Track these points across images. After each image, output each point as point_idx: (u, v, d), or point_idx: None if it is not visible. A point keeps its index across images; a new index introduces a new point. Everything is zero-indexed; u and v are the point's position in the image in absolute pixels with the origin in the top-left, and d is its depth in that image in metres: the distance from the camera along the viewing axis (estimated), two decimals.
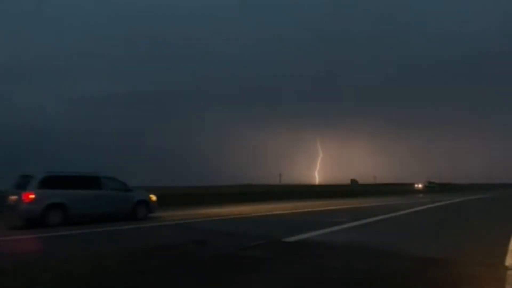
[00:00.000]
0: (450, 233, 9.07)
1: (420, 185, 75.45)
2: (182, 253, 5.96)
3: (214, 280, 4.37)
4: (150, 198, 12.40)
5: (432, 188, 68.50)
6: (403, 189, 57.26)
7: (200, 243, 6.73)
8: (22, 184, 10.12)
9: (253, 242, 6.95)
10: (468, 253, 5.91)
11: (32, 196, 9.73)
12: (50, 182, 10.18)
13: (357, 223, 10.41)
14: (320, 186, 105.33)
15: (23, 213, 9.80)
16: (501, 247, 6.19)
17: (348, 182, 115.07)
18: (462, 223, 11.55)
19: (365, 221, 10.92)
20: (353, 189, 62.45)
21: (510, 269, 4.53)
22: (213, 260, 5.56)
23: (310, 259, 5.80)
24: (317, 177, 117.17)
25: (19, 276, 4.48)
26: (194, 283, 4.22)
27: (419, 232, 9.49)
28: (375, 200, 24.81)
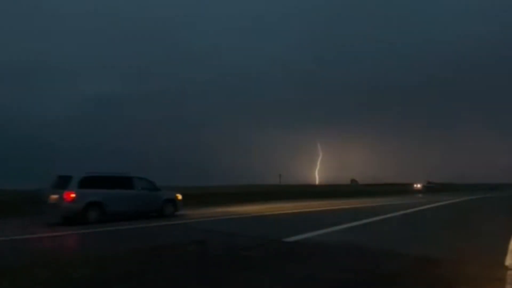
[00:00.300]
0: (450, 233, 9.17)
1: (419, 185, 75.47)
2: (192, 252, 6.11)
3: (215, 280, 4.36)
4: (176, 197, 13.11)
5: (431, 188, 68.38)
6: (402, 190, 57.34)
7: (200, 243, 6.96)
8: (61, 184, 10.75)
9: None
10: (467, 254, 5.92)
11: (72, 195, 10.37)
12: (88, 182, 10.84)
13: (356, 223, 10.47)
14: (320, 186, 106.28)
15: (64, 211, 10.43)
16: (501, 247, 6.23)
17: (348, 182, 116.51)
18: (463, 223, 11.68)
19: (365, 221, 11.01)
20: (353, 189, 63.44)
21: (510, 269, 4.49)
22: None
23: (310, 259, 5.82)
24: (317, 177, 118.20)
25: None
26: (195, 283, 4.15)
27: (420, 231, 9.53)
28: (376, 200, 25.35)
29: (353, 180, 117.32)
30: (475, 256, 5.74)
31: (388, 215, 13.26)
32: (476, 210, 18.07)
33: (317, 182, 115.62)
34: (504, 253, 5.63)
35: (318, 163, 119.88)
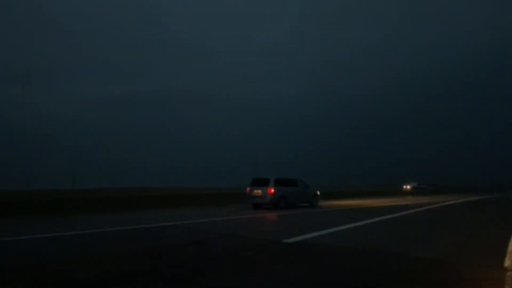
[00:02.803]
0: (446, 235, 8.59)
1: (408, 187, 74.04)
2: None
3: (216, 281, 4.16)
4: (317, 193, 19.07)
5: (421, 190, 65.96)
6: (390, 191, 55.92)
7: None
8: (262, 183, 16.68)
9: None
10: (466, 255, 5.78)
11: (272, 191, 16.34)
12: (277, 182, 16.76)
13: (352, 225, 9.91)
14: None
15: (267, 201, 16.38)
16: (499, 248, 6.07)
17: None
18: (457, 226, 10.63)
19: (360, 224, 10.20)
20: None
21: (509, 270, 4.43)
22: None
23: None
24: None
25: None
26: (194, 284, 3.98)
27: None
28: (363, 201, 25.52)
29: None
30: (473, 257, 5.55)
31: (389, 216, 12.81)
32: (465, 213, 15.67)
33: None
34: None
35: None
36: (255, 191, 16.73)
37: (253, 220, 11.68)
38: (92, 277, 4.22)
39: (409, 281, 4.13)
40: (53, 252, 6.06)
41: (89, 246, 6.69)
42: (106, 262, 5.05)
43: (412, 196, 36.75)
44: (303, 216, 13.42)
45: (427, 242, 7.23)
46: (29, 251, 6.20)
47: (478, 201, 25.82)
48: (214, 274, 4.43)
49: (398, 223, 11.22)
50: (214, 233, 8.39)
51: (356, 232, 8.75)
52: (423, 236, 8.33)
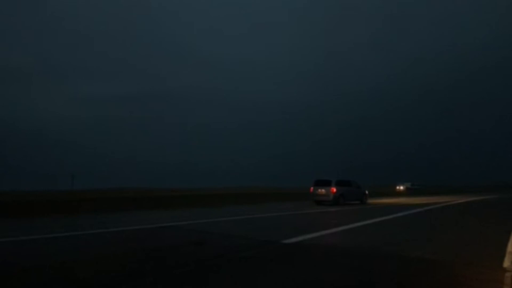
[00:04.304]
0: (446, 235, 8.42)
1: (402, 187, 73.27)
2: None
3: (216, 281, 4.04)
4: (366, 192, 22.44)
5: (416, 190, 65.45)
6: (384, 192, 54.40)
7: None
8: (323, 184, 20.07)
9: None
10: (466, 255, 5.65)
11: (334, 190, 19.75)
12: (337, 183, 20.17)
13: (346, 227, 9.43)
14: None
15: (329, 198, 19.78)
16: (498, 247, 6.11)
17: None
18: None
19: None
20: None
21: (508, 271, 4.40)
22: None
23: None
24: None
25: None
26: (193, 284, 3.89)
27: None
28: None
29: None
30: (473, 257, 5.39)
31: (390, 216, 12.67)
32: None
33: None
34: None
35: None
36: (319, 190, 20.14)
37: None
38: (92, 277, 4.19)
39: (409, 281, 4.07)
40: (53, 252, 5.93)
41: (89, 246, 6.60)
42: (106, 262, 4.99)
43: (416, 197, 35.93)
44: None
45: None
46: (29, 251, 6.13)
47: (476, 201, 26.50)
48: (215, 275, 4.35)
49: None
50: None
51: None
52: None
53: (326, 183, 20.12)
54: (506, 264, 4.83)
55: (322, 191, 20.04)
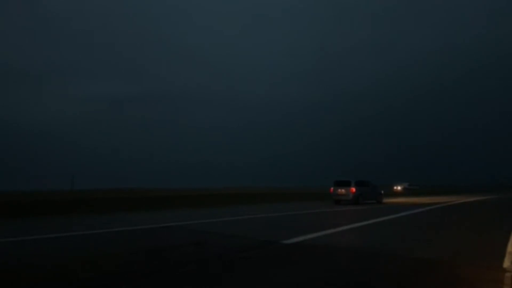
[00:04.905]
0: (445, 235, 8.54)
1: (399, 187, 73.55)
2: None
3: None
4: (382, 192, 23.64)
5: (413, 190, 65.40)
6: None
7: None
8: (343, 184, 21.26)
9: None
10: (465, 255, 5.71)
11: (354, 190, 20.93)
12: (356, 183, 21.36)
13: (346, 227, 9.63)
14: None
15: (349, 198, 20.95)
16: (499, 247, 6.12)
17: None
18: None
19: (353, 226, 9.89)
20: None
21: (508, 271, 4.40)
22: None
23: None
24: None
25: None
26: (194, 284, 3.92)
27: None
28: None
29: None
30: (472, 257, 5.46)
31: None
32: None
33: None
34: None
35: None
36: (339, 190, 21.33)
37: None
38: (93, 277, 4.18)
39: (409, 281, 4.06)
40: (54, 253, 5.93)
41: (90, 246, 6.61)
42: (106, 263, 5.02)
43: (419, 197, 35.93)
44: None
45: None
46: (30, 251, 6.12)
47: (475, 202, 26.96)
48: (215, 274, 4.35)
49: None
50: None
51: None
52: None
53: (346, 184, 21.30)
54: (506, 264, 4.85)
55: (342, 191, 21.22)
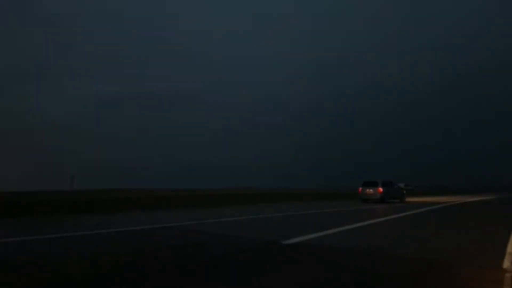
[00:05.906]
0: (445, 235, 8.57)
1: None
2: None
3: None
4: (404, 192, 25.92)
5: (409, 191, 64.69)
6: None
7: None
8: (370, 185, 23.50)
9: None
10: (465, 255, 5.70)
11: (381, 190, 23.18)
12: (382, 184, 23.60)
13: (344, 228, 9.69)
14: None
15: (377, 197, 23.18)
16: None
17: None
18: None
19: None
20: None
21: (508, 272, 4.40)
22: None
23: None
24: None
25: None
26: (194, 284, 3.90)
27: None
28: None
29: None
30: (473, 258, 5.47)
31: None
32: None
33: None
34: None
35: None
36: (367, 190, 23.59)
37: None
38: (93, 278, 4.22)
39: (409, 282, 4.07)
40: (54, 253, 5.90)
41: (90, 246, 6.62)
42: (106, 263, 5.03)
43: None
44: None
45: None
46: (30, 251, 6.10)
47: (477, 202, 27.64)
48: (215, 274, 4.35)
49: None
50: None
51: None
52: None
53: (374, 184, 23.54)
54: (506, 264, 4.84)
55: (370, 191, 23.45)
